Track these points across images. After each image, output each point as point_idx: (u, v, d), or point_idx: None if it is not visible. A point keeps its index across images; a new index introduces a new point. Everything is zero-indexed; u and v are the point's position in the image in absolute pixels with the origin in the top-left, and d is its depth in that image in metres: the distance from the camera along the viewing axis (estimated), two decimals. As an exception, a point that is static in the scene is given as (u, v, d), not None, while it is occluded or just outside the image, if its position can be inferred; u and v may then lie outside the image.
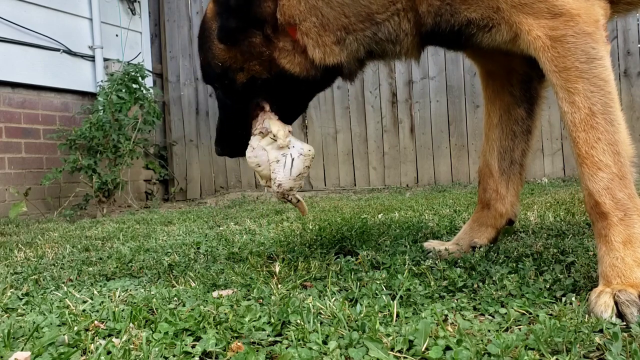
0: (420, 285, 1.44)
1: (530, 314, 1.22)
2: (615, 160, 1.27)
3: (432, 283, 1.45)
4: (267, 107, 1.69)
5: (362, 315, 1.22)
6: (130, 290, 1.71)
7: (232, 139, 1.78)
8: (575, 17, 1.32)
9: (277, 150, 1.65)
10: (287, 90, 1.68)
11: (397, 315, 1.23)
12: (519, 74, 1.78)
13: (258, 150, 1.68)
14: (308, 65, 1.60)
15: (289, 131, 1.68)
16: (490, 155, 1.85)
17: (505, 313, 1.22)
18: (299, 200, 1.71)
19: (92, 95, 5.62)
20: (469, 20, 1.43)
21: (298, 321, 1.19)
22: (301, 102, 1.83)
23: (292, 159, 1.64)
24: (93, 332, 1.25)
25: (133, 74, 5.27)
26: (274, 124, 1.65)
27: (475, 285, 1.43)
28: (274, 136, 1.64)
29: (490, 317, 1.23)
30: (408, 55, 1.62)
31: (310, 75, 1.62)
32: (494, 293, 1.33)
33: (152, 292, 1.60)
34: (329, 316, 1.25)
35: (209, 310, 1.30)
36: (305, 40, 1.56)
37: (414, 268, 1.61)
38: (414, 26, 1.51)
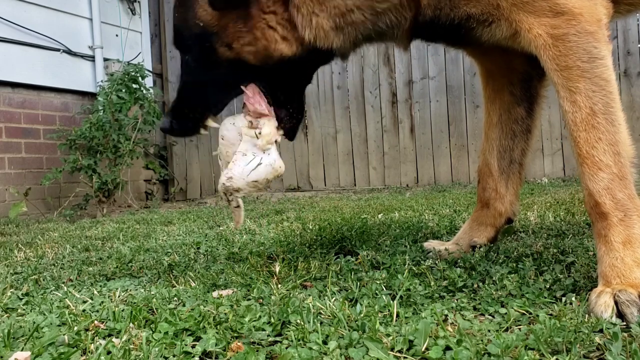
0: (420, 285, 1.44)
1: (530, 314, 1.22)
2: (616, 160, 1.27)
3: (432, 283, 1.45)
4: (256, 89, 1.54)
5: (362, 315, 1.22)
6: (130, 290, 1.71)
7: (193, 115, 1.58)
8: (578, 15, 1.32)
9: (250, 146, 1.55)
10: (277, 70, 1.54)
11: (397, 315, 1.23)
12: (519, 72, 1.78)
13: (235, 131, 1.56)
14: (299, 46, 1.50)
15: (276, 141, 1.57)
16: (489, 155, 1.85)
17: (505, 313, 1.22)
18: (238, 206, 1.58)
19: (92, 95, 5.62)
20: (468, 15, 1.42)
21: (298, 321, 1.19)
22: (293, 82, 1.65)
23: (259, 164, 1.54)
24: (93, 332, 1.25)
25: (133, 74, 5.26)
26: (268, 126, 1.55)
27: (475, 285, 1.43)
28: (259, 134, 1.54)
29: (490, 317, 1.23)
30: (398, 43, 1.58)
31: (302, 56, 1.52)
32: (494, 293, 1.33)
33: (152, 292, 1.60)
34: (329, 316, 1.25)
35: (209, 310, 1.30)
36: (300, 20, 1.46)
37: (414, 268, 1.61)
38: (412, 17, 1.48)
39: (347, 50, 1.57)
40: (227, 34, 1.50)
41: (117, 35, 6.01)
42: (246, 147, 1.55)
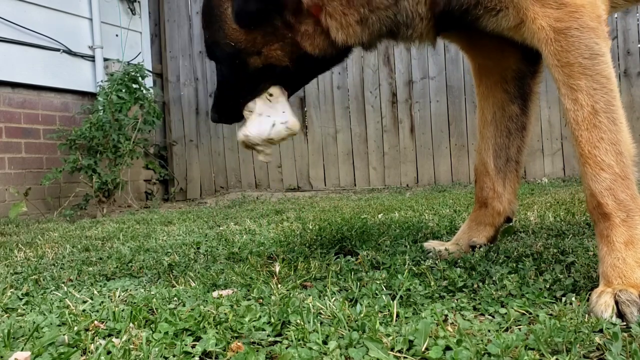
0: (420, 285, 1.44)
1: (530, 314, 1.22)
2: (618, 160, 1.27)
3: (432, 283, 1.45)
4: (277, 90, 1.69)
5: (362, 315, 1.22)
6: (130, 290, 1.71)
7: (231, 109, 1.76)
8: (580, 8, 1.31)
9: (266, 108, 1.68)
10: (302, 70, 1.69)
11: (397, 315, 1.23)
12: (513, 70, 1.77)
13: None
14: (329, 46, 1.58)
15: (284, 94, 1.70)
16: (485, 154, 1.84)
17: (505, 313, 1.22)
18: (259, 152, 1.73)
19: (92, 95, 5.62)
20: (477, 1, 1.42)
21: (298, 321, 1.19)
22: (310, 78, 1.84)
23: (274, 124, 1.66)
24: (93, 332, 1.25)
25: (133, 74, 5.27)
26: (275, 88, 1.69)
27: (475, 285, 1.43)
28: (270, 95, 1.68)
29: (490, 317, 1.23)
30: (422, 39, 1.59)
31: (328, 54, 1.61)
32: (494, 293, 1.33)
33: (152, 292, 1.60)
34: (329, 316, 1.25)
35: (209, 310, 1.30)
36: (329, 22, 1.53)
37: (414, 268, 1.61)
38: (429, 9, 1.48)
39: (373, 43, 1.63)
40: (256, 44, 1.61)
41: (117, 35, 6.01)
42: (262, 108, 1.68)
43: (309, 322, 1.19)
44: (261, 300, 1.44)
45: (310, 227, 2.63)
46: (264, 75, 1.67)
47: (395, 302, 1.27)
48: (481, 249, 1.75)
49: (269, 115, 1.67)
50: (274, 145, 1.73)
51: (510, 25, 1.41)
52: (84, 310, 1.44)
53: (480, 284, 1.43)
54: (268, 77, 1.67)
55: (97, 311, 1.43)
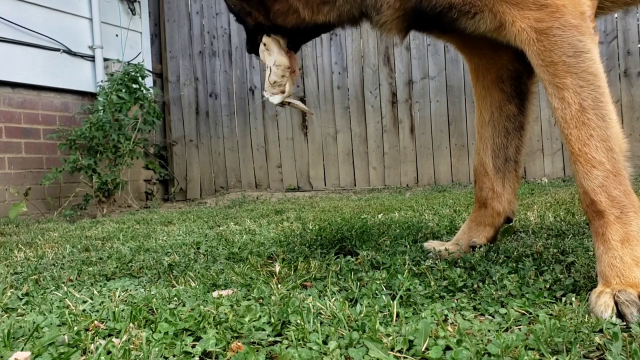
0: (420, 285, 1.44)
1: (530, 314, 1.22)
2: (609, 156, 1.26)
3: (432, 283, 1.45)
4: (268, 39, 1.86)
5: (362, 315, 1.22)
6: (130, 290, 1.71)
7: (252, 47, 1.95)
8: (561, 8, 1.31)
9: (268, 57, 1.84)
10: (285, 30, 1.81)
11: (397, 315, 1.23)
12: (509, 69, 1.77)
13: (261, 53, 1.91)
14: (301, 23, 1.69)
15: (275, 40, 1.84)
16: (484, 154, 1.84)
17: (505, 313, 1.22)
18: (290, 103, 1.88)
19: (92, 95, 5.62)
20: (450, 4, 1.41)
21: (298, 321, 1.19)
22: (302, 34, 1.91)
23: (269, 68, 1.83)
24: (93, 332, 1.25)
25: (133, 74, 5.27)
26: (265, 38, 1.84)
27: (475, 285, 1.43)
28: (264, 45, 1.85)
29: (490, 317, 1.23)
30: (392, 28, 1.60)
31: (304, 27, 1.74)
32: (494, 293, 1.33)
33: (152, 292, 1.60)
34: (329, 316, 1.25)
35: (209, 310, 1.30)
36: (296, 2, 1.64)
37: (414, 268, 1.61)
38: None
39: (345, 23, 1.72)
40: (244, 10, 1.84)
41: (117, 35, 6.01)
42: (267, 60, 1.85)
43: (309, 322, 1.19)
44: (261, 300, 1.44)
45: (310, 227, 2.63)
46: (257, 29, 1.85)
47: (395, 302, 1.27)
48: (481, 249, 1.75)
49: (268, 64, 1.85)
50: (283, 88, 1.84)
51: (489, 28, 1.40)
52: (84, 310, 1.44)
53: (480, 284, 1.43)
54: (260, 31, 1.84)
55: (97, 311, 1.43)
